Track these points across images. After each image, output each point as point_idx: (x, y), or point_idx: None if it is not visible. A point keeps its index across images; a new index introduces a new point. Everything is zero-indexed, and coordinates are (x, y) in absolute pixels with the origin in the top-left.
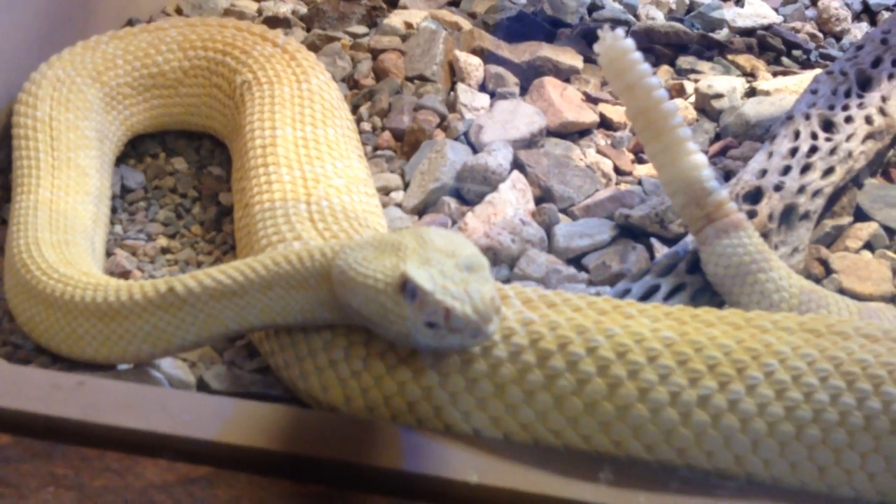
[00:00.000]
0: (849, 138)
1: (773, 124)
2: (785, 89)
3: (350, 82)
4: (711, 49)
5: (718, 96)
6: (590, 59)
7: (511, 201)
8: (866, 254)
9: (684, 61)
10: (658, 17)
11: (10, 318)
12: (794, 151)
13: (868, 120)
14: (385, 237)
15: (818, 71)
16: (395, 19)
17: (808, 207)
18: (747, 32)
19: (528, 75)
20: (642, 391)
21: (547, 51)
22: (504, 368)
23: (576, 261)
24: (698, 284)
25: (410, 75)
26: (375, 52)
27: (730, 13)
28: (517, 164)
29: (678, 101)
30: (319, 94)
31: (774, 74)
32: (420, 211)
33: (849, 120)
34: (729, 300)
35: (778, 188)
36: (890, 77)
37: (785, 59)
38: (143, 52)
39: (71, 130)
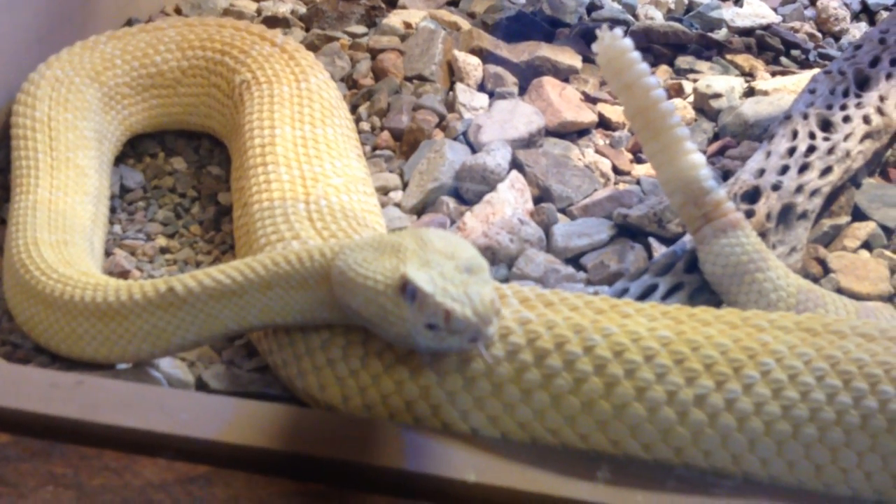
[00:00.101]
0: (847, 138)
1: (771, 124)
2: (783, 89)
3: (349, 82)
4: (710, 49)
5: (717, 96)
6: (588, 59)
7: (509, 201)
8: (864, 253)
9: (683, 61)
10: (657, 17)
11: (9, 317)
12: (791, 151)
13: (866, 119)
14: (385, 238)
15: (817, 71)
16: (394, 19)
17: (805, 207)
18: (746, 32)
19: (527, 75)
20: (639, 390)
21: (546, 51)
22: (501, 367)
23: (574, 260)
24: (696, 284)
25: (409, 75)
26: (374, 52)
27: (728, 13)
28: (516, 164)
29: (677, 101)
30: (318, 94)
31: (773, 74)
32: (419, 211)
33: (847, 119)
34: (727, 299)
35: (776, 188)
36: (888, 77)
37: (784, 59)
38: (142, 52)
39: (70, 130)
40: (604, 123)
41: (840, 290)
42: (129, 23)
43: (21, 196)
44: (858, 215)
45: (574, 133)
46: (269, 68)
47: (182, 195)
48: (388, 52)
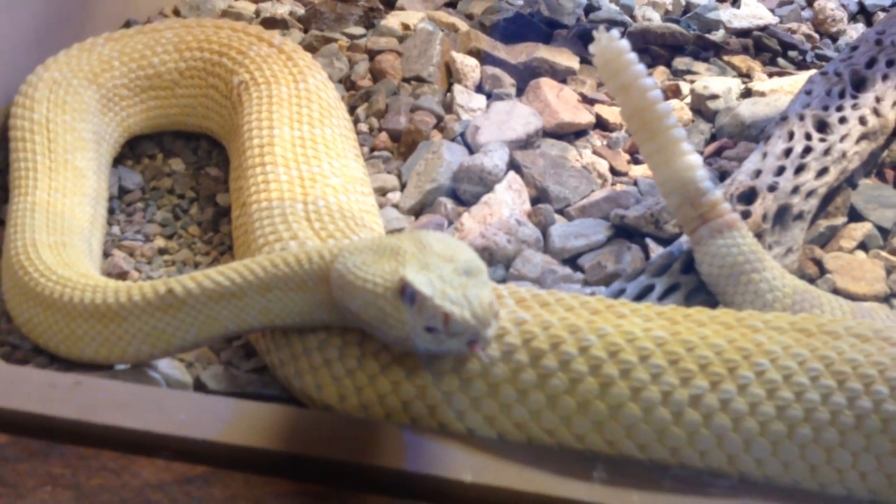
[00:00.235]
0: (843, 139)
1: (767, 125)
2: (780, 90)
3: (347, 83)
4: (707, 50)
5: (714, 97)
6: (586, 60)
7: (507, 202)
8: (860, 254)
9: (680, 62)
10: (654, 18)
11: (8, 318)
12: (788, 152)
13: (862, 120)
14: (384, 241)
15: (813, 72)
16: (392, 20)
17: (802, 208)
18: (743, 33)
19: (525, 76)
20: (634, 390)
21: (543, 52)
22: (497, 368)
23: (571, 261)
24: (693, 284)
25: (407, 76)
26: (372, 54)
27: (726, 14)
28: (513, 165)
29: (674, 102)
30: (317, 94)
31: (770, 75)
32: (416, 211)
33: (843, 120)
34: (723, 300)
35: (772, 188)
36: (884, 78)
37: (781, 60)
38: (140, 54)
39: (68, 132)
40: (601, 124)
41: (836, 291)
42: (127, 24)
43: (19, 198)
44: (855, 216)
45: (571, 134)
46: (267, 69)
47: (180, 196)
48: (386, 54)
